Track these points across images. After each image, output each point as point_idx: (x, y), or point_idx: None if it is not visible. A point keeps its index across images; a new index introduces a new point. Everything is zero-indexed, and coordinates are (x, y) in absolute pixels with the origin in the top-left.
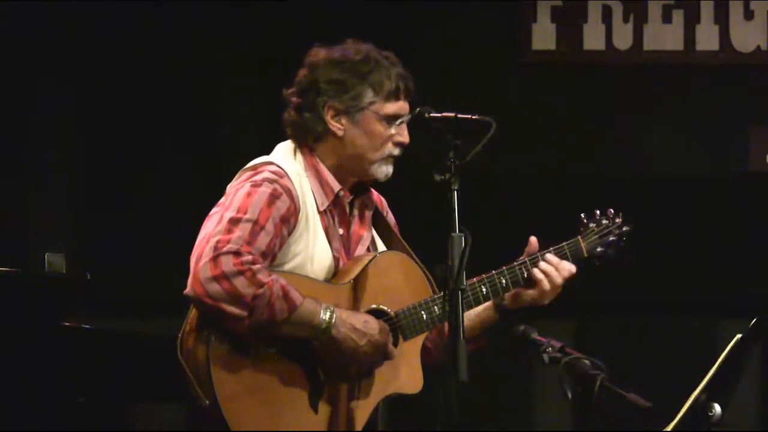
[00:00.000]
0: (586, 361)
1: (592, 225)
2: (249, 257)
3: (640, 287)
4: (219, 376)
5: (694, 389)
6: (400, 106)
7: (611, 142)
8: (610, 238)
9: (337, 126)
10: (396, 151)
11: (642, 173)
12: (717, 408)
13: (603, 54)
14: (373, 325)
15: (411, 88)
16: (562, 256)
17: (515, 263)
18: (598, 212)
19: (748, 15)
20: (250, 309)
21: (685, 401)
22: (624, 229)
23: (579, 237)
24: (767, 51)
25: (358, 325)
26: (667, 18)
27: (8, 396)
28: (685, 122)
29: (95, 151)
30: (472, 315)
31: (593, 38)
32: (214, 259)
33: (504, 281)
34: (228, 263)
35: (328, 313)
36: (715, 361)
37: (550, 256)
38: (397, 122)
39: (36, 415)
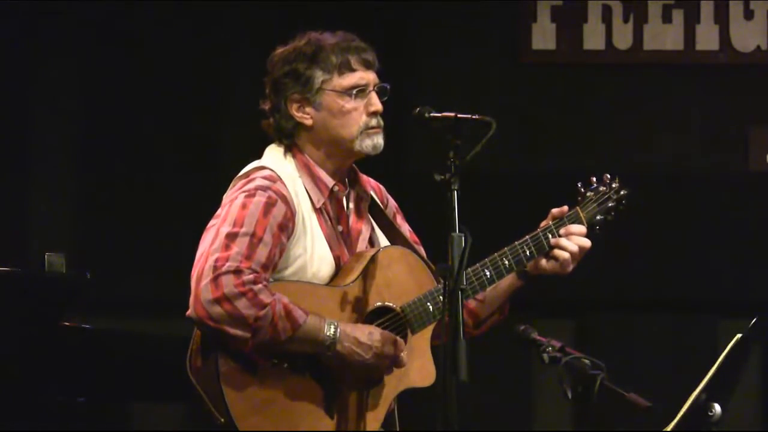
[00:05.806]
0: (586, 361)
1: (589, 193)
2: (250, 276)
3: (640, 287)
4: (231, 394)
5: (694, 389)
6: (359, 77)
7: (611, 142)
8: (609, 204)
9: (303, 116)
10: (373, 122)
11: (642, 173)
12: (717, 408)
13: (603, 54)
14: (377, 337)
15: (367, 57)
16: None
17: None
18: (594, 179)
19: (748, 15)
20: (253, 330)
21: (685, 401)
22: (622, 192)
23: (577, 207)
24: (767, 51)
25: (363, 339)
26: (667, 18)
27: (8, 396)
28: (685, 122)
29: (95, 151)
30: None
31: (593, 38)
32: (215, 279)
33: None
34: (229, 284)
35: (332, 329)
36: (715, 361)
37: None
38: (354, 92)
39: (36, 415)
